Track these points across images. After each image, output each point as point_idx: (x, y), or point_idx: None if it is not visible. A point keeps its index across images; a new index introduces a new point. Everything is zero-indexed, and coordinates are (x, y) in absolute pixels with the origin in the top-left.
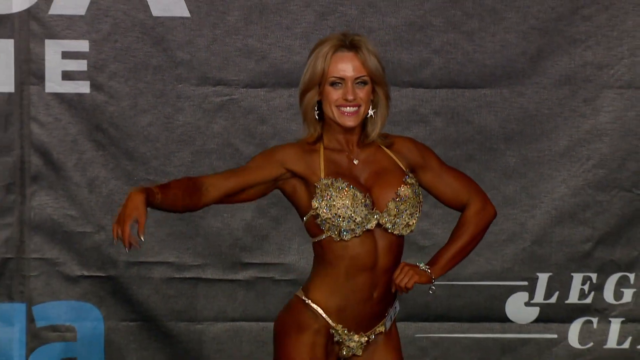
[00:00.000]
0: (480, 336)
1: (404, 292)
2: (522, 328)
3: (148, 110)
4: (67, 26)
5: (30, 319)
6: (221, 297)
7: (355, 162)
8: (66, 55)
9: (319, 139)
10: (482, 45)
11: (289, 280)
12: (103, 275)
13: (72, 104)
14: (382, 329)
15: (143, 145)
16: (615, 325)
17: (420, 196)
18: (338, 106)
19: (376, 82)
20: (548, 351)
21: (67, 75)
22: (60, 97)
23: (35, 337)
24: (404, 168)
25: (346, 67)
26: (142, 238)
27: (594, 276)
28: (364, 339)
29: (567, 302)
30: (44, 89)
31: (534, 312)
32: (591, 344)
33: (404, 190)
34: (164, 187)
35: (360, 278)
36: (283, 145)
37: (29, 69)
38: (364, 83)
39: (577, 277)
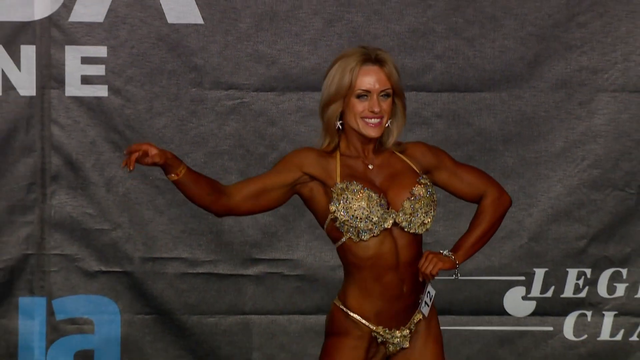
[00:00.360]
0: (479, 329)
1: (430, 279)
2: (519, 321)
3: (163, 113)
4: (86, 33)
5: (50, 312)
6: (232, 291)
7: (370, 167)
8: (85, 60)
9: (336, 147)
10: (482, 51)
11: (297, 276)
12: (120, 270)
13: (90, 107)
14: (419, 316)
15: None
16: (608, 319)
17: (435, 196)
18: (363, 117)
19: (397, 94)
20: (544, 343)
21: (86, 80)
22: (79, 100)
23: (55, 330)
24: (417, 170)
25: (373, 80)
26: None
27: (588, 271)
28: (405, 332)
29: (562, 296)
30: (64, 93)
31: (531, 305)
32: (585, 336)
33: (418, 189)
34: (192, 170)
35: (387, 277)
36: (301, 149)
37: (49, 74)
38: (387, 95)
39: (572, 273)
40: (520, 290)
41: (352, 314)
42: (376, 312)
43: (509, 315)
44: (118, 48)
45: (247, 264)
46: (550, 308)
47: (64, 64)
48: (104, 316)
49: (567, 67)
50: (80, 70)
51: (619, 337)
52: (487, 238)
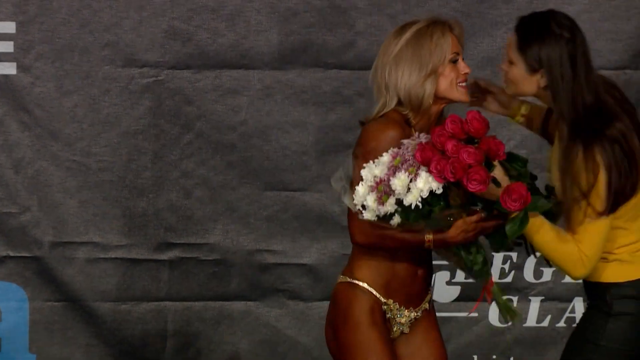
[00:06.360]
0: None
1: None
2: (443, 307)
3: (74, 92)
4: None
5: None
6: (146, 277)
7: None
8: None
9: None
10: None
11: (213, 260)
12: (28, 255)
13: None
14: (426, 305)
15: (69, 127)
16: (535, 304)
17: None
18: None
19: None
20: (469, 329)
21: None
22: None
23: None
24: None
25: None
26: None
27: (514, 256)
28: (413, 314)
29: None
30: None
31: (455, 291)
32: (511, 322)
33: None
34: None
35: (404, 255)
36: (386, 136)
37: None
38: None
39: (498, 257)
40: (445, 275)
41: (360, 283)
42: (386, 283)
43: (433, 300)
44: (27, 24)
45: (161, 248)
46: (475, 293)
47: None
48: (11, 303)
49: (493, 44)
50: None
51: (545, 323)
52: None
